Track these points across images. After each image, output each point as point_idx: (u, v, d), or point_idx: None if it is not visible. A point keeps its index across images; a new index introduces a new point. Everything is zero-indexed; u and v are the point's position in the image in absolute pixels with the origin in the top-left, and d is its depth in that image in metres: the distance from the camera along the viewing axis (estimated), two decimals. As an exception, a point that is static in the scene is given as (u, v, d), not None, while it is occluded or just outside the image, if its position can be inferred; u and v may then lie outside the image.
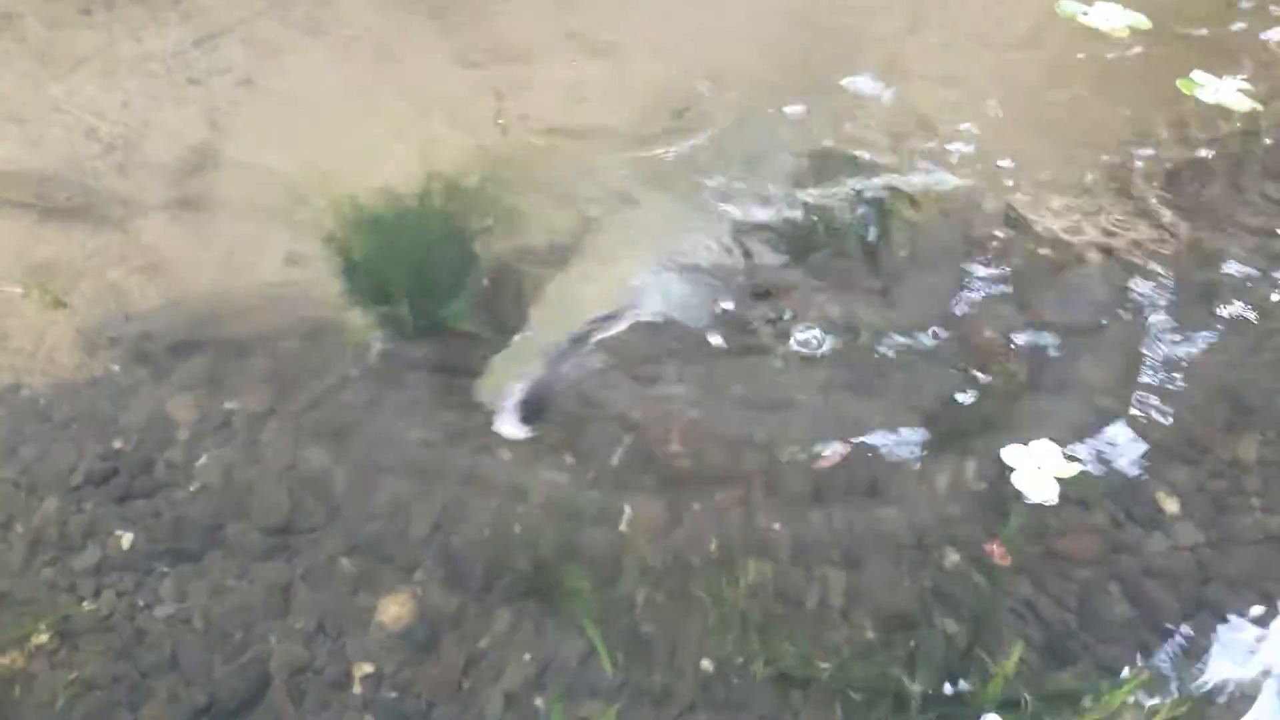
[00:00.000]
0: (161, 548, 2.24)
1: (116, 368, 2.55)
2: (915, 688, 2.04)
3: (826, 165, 3.00)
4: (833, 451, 2.40)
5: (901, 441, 2.46)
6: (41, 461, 2.37)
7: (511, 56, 3.54)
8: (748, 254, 2.75)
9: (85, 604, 2.15)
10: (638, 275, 2.41)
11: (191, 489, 2.33)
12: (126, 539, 2.25)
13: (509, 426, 2.17)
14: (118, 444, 2.40)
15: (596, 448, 2.40)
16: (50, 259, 2.79)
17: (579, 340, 2.24)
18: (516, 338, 2.26)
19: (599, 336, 2.33)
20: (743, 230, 2.81)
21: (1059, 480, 2.36)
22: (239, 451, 2.39)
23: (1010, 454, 2.40)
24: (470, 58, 3.51)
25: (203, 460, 2.38)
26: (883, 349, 2.65)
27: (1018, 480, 2.36)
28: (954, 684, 2.06)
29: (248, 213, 2.95)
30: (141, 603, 2.17)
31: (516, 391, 2.14)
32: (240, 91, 3.34)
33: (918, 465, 2.42)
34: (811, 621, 2.18)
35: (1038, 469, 2.38)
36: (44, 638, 2.10)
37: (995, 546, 2.28)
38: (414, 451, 2.40)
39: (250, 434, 2.43)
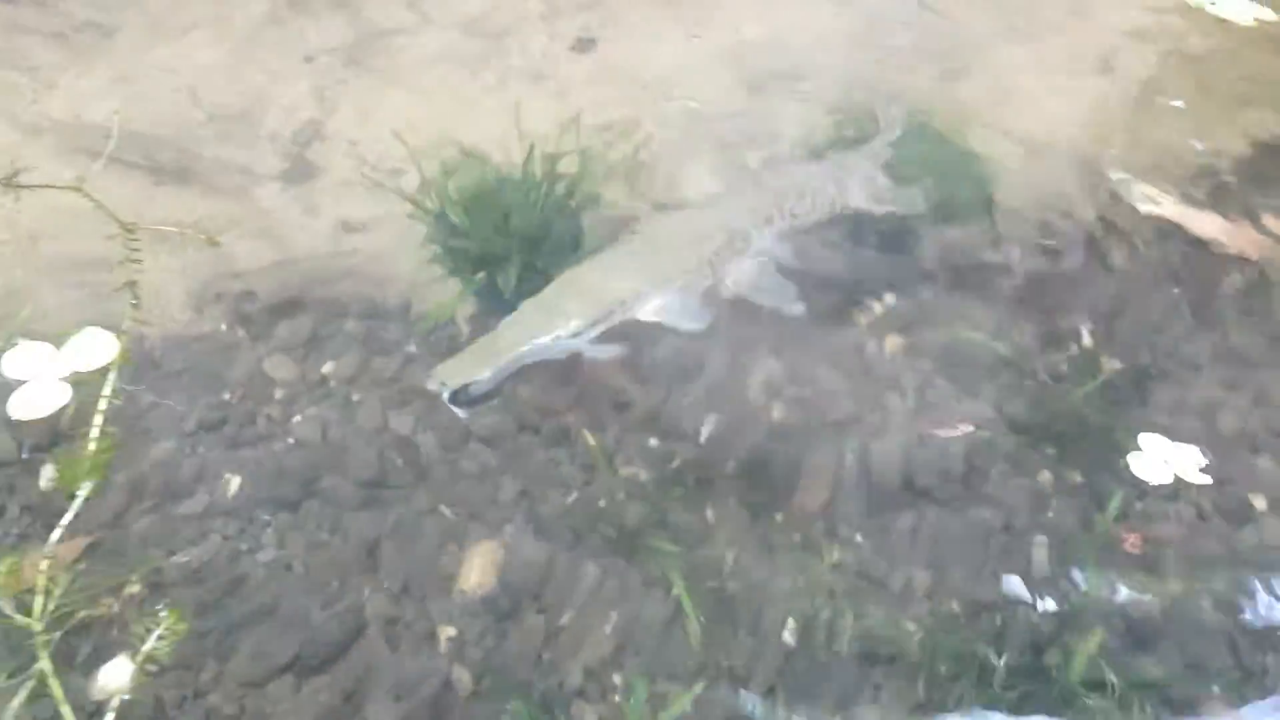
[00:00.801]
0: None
1: (223, 326, 2.65)
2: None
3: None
4: (957, 427, 2.46)
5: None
6: (157, 408, 2.47)
7: (619, 33, 3.61)
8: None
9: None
10: (632, 287, 2.47)
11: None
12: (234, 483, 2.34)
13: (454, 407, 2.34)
14: (226, 395, 2.50)
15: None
16: (163, 218, 2.89)
17: (540, 346, 2.37)
18: (484, 337, 2.42)
19: (576, 340, 2.41)
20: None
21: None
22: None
23: (1146, 440, 2.46)
24: (577, 36, 3.59)
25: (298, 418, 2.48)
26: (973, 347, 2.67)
27: (1136, 463, 2.41)
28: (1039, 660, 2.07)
29: (351, 183, 3.06)
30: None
31: (464, 383, 2.30)
32: (348, 70, 3.45)
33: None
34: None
35: (1166, 463, 2.42)
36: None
37: (1131, 535, 2.30)
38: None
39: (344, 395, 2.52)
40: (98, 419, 2.24)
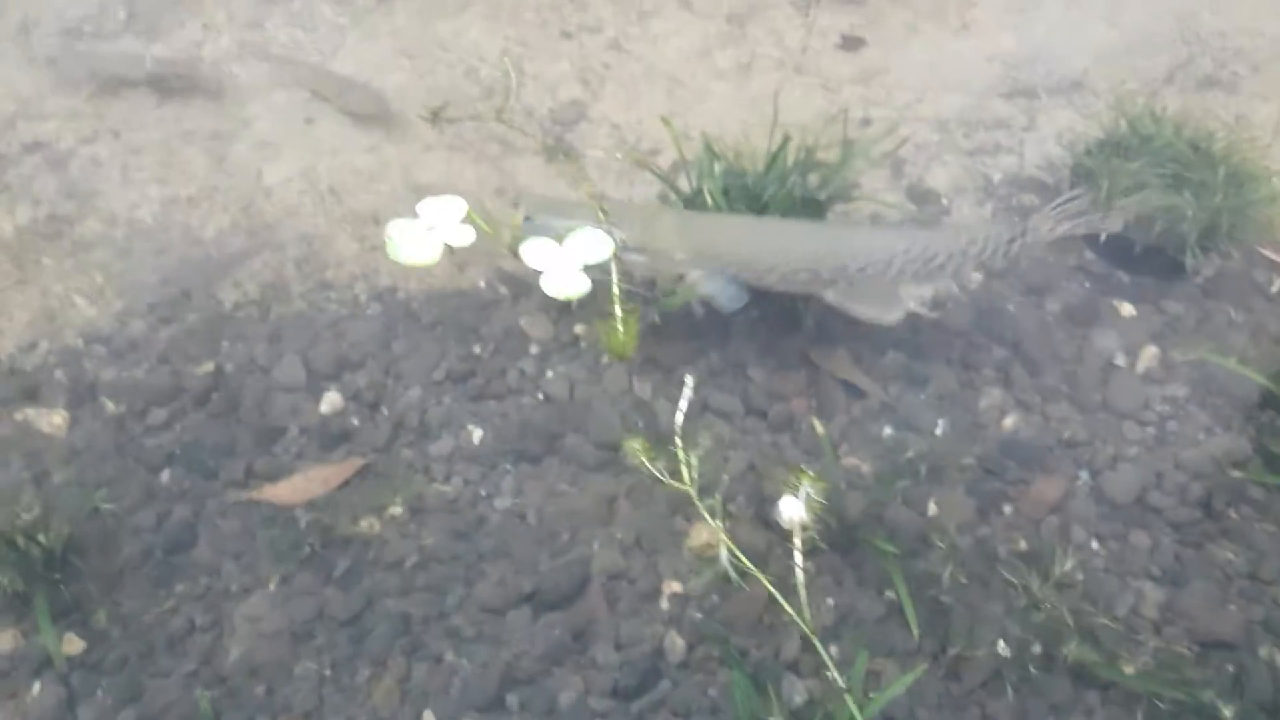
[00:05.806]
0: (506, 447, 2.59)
1: (482, 284, 2.94)
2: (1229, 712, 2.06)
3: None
4: None
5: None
6: (409, 357, 2.77)
7: (876, 30, 3.77)
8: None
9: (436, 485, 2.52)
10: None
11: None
12: (477, 434, 2.62)
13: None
14: (476, 349, 2.78)
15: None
16: (430, 182, 3.22)
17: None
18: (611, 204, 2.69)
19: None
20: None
21: None
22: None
23: None
24: (842, 33, 3.77)
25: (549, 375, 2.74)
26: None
27: None
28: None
29: (609, 161, 3.33)
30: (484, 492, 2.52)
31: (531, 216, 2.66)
32: (610, 53, 3.71)
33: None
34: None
35: None
36: (398, 510, 2.48)
37: None
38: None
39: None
40: (616, 301, 2.65)
